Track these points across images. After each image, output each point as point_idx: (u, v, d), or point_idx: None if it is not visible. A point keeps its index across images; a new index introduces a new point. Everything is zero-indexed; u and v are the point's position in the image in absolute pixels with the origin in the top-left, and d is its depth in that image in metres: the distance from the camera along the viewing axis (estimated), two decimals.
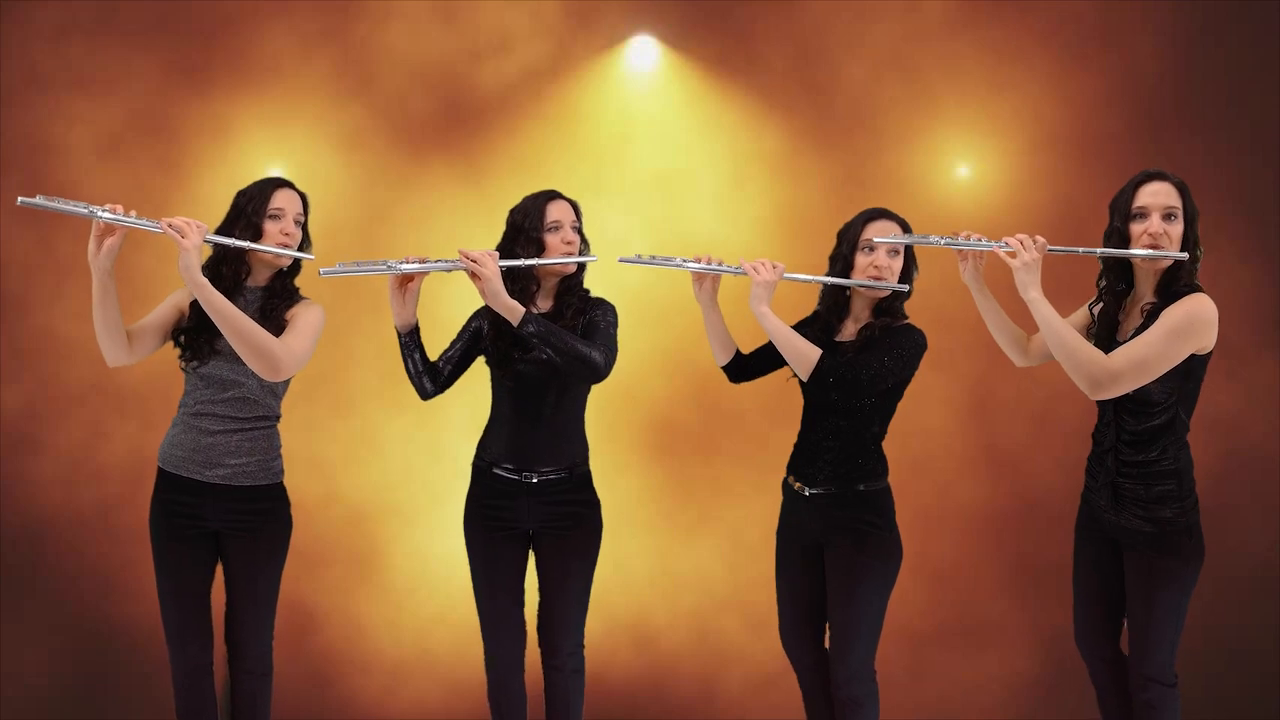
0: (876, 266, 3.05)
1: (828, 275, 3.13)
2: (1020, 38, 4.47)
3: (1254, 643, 4.36)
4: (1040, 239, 2.85)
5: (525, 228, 3.10)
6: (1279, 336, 4.41)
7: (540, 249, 3.08)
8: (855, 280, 3.07)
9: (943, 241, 2.99)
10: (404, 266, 2.97)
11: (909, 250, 3.11)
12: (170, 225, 2.78)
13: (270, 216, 3.00)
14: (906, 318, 3.11)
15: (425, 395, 3.17)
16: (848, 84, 4.54)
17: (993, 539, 4.50)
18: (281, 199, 3.03)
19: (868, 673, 3.05)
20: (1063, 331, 2.78)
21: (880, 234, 3.07)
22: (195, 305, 3.00)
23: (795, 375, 3.11)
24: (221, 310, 2.83)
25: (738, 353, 3.28)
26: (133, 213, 2.78)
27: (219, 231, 3.00)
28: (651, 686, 4.51)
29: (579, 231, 3.16)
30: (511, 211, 3.17)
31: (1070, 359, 2.78)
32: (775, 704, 4.38)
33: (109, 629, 4.34)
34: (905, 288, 3.07)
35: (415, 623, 4.48)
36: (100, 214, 2.74)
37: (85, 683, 4.33)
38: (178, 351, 3.05)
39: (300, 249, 3.05)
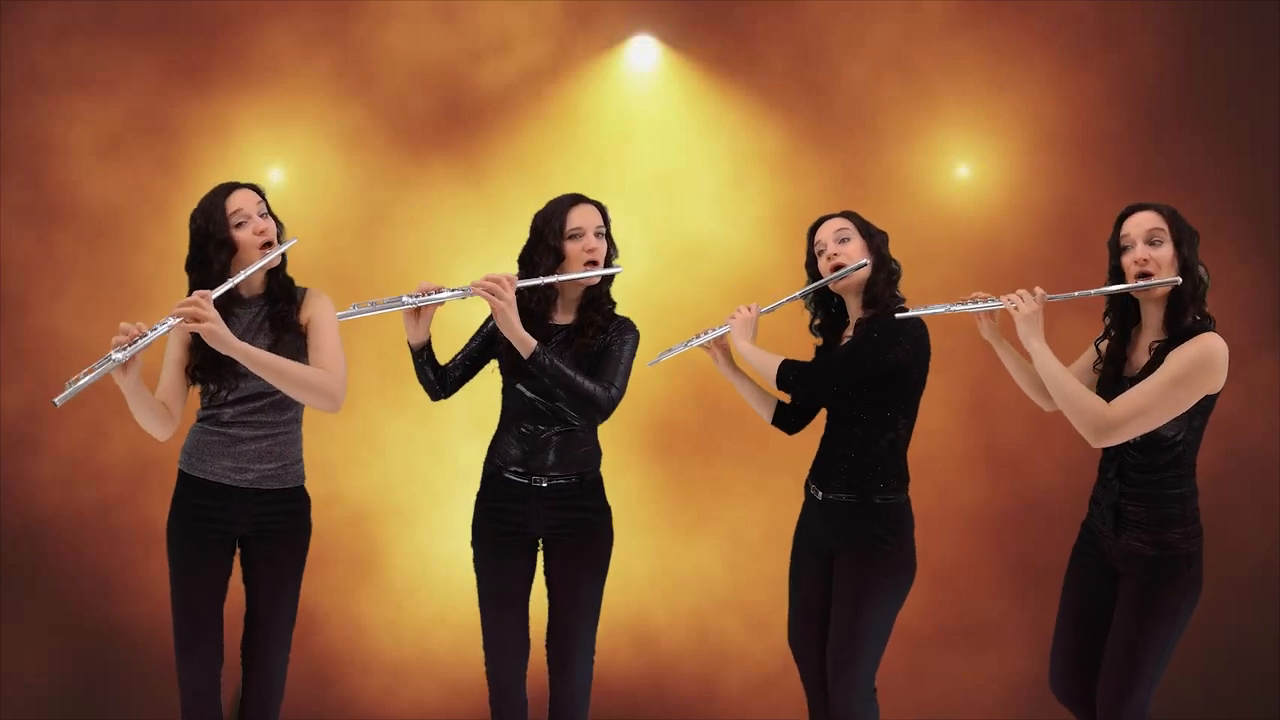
0: (829, 258, 3.06)
1: (806, 289, 3.13)
2: (1020, 38, 4.47)
3: (1254, 643, 4.36)
4: (1039, 290, 2.84)
5: (545, 235, 2.97)
6: (1279, 336, 4.40)
7: (559, 258, 2.95)
8: (822, 280, 3.07)
9: (952, 308, 2.97)
10: (418, 300, 2.91)
11: (864, 225, 3.09)
12: (180, 313, 2.66)
13: (236, 225, 2.87)
14: (903, 300, 3.07)
15: (436, 397, 3.16)
16: (848, 84, 4.53)
17: (993, 539, 4.49)
18: (236, 201, 2.89)
19: (867, 690, 2.99)
20: (1063, 380, 2.77)
21: (827, 231, 3.08)
22: (200, 341, 2.81)
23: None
24: (268, 365, 2.76)
25: (779, 404, 3.27)
26: (139, 325, 2.66)
27: (192, 263, 2.91)
28: (651, 686, 4.51)
29: (605, 236, 3.02)
30: (535, 216, 3.04)
31: (1071, 407, 2.76)
32: (775, 704, 4.38)
33: (109, 629, 4.34)
34: (864, 262, 3.02)
35: (415, 623, 4.47)
36: (127, 355, 2.63)
37: (85, 683, 4.33)
38: (199, 388, 2.96)
39: (278, 239, 2.94)
